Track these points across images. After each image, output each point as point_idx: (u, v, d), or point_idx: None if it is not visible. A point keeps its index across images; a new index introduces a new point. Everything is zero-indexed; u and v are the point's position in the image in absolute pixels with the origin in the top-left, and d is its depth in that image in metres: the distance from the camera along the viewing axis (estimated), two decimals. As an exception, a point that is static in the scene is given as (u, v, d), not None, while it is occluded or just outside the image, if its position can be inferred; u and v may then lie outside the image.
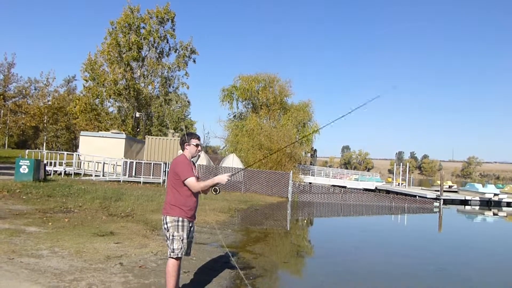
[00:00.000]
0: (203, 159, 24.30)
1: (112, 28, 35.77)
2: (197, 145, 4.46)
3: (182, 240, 4.22)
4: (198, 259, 6.76)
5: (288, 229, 13.59)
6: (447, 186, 39.79)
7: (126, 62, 35.65)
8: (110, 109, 39.54)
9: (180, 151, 4.60)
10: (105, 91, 35.49)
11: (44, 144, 52.40)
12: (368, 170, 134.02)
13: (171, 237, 4.22)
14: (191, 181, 4.21)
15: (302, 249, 10.46)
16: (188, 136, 4.50)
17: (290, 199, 22.13)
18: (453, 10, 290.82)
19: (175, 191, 4.29)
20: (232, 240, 9.45)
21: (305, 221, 16.61)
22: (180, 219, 4.24)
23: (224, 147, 36.68)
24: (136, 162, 22.39)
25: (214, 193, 4.38)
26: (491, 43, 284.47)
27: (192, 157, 4.49)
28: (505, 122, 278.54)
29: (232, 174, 4.48)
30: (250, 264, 7.17)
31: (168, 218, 4.25)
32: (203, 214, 11.78)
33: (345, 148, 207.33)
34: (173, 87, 40.58)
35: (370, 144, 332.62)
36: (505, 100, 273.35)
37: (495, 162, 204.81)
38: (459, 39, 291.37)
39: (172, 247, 4.21)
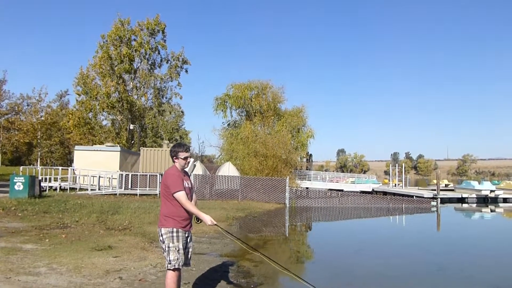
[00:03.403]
0: (198, 169, 24.23)
1: (103, 41, 35.78)
2: (185, 158, 4.44)
3: (178, 250, 4.22)
4: (197, 270, 6.72)
5: (287, 235, 13.55)
6: (444, 185, 39.86)
7: (118, 75, 35.62)
8: (104, 122, 39.38)
9: None
10: (98, 104, 35.37)
11: (39, 160, 52.00)
12: (364, 173, 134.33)
13: (167, 249, 4.23)
14: (179, 195, 4.22)
15: (302, 254, 10.44)
16: (175, 148, 4.47)
17: (287, 205, 22.08)
18: (443, 9, 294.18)
19: (168, 203, 4.31)
20: (231, 248, 9.40)
21: (304, 226, 16.58)
22: (175, 229, 4.25)
23: (219, 156, 36.57)
24: (131, 175, 22.29)
25: (196, 221, 4.42)
26: (483, 42, 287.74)
27: (183, 169, 4.48)
28: (498, 119, 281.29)
29: (216, 224, 4.38)
30: (250, 272, 7.13)
31: (163, 230, 4.27)
32: (201, 224, 11.70)
33: (340, 152, 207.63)
34: (166, 98, 40.54)
35: (365, 147, 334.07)
36: (497, 97, 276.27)
37: (490, 159, 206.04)
38: (451, 37, 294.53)
39: (168, 259, 4.21)
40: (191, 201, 4.42)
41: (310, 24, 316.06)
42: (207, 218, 4.29)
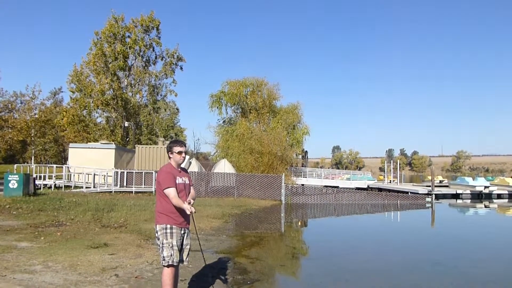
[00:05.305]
0: (194, 166, 24.18)
1: (97, 38, 35.52)
2: (179, 153, 4.44)
3: (172, 247, 4.23)
4: (194, 267, 6.72)
5: (283, 231, 13.58)
6: (438, 181, 40.07)
7: (112, 72, 35.39)
8: (98, 120, 39.16)
9: None
10: (92, 102, 35.14)
11: (33, 158, 51.61)
12: (359, 169, 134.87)
13: (161, 245, 4.27)
14: (169, 191, 4.24)
15: (298, 251, 10.46)
16: (170, 144, 4.52)
17: (283, 202, 22.11)
18: (436, 10, 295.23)
19: (161, 199, 4.34)
20: (227, 245, 9.40)
21: (300, 223, 16.62)
22: (168, 226, 4.27)
23: (215, 153, 36.48)
24: (127, 172, 22.19)
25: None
26: (478, 41, 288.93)
27: (178, 164, 4.48)
28: (492, 116, 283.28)
29: (194, 212, 4.29)
30: (246, 269, 7.14)
31: (158, 227, 4.31)
32: (196, 221, 11.71)
33: (336, 148, 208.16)
34: (161, 95, 40.37)
35: (360, 143, 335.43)
36: (491, 94, 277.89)
37: (484, 155, 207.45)
38: (444, 35, 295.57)
39: (162, 255, 4.24)
40: (187, 197, 4.42)
41: (307, 24, 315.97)
42: (185, 207, 4.25)
